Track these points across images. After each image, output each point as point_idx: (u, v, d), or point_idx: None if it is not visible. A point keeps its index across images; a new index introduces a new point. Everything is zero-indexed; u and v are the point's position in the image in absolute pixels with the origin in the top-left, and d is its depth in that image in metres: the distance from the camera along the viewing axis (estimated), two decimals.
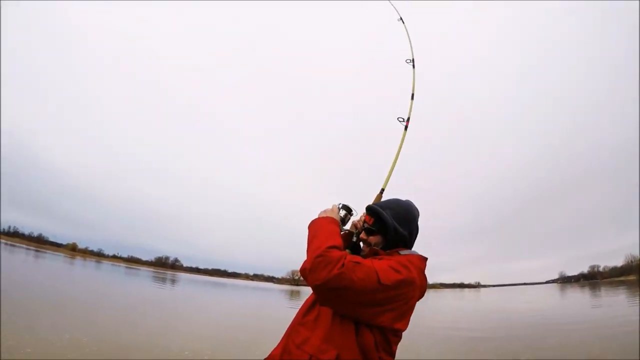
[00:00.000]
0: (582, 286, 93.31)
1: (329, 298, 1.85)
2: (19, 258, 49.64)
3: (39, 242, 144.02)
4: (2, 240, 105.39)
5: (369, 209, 2.17)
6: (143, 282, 50.62)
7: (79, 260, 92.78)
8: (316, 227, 2.07)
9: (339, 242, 1.96)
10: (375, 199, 2.45)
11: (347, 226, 2.35)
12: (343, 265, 1.77)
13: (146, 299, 26.88)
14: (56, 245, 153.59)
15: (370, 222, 2.13)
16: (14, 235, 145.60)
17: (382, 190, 2.47)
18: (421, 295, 2.07)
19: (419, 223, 2.25)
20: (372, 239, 2.14)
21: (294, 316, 2.18)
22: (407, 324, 1.98)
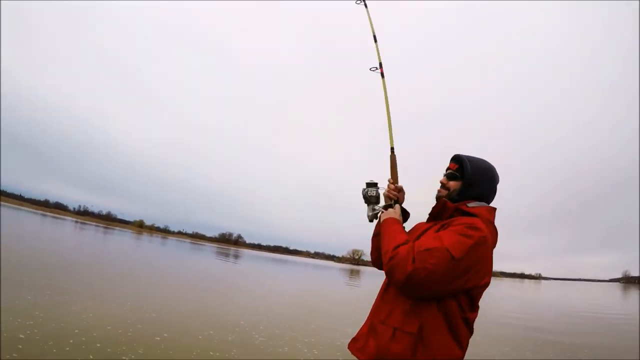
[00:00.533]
0: None
1: (416, 292, 1.83)
2: (90, 234, 52.13)
3: (108, 220, 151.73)
4: (73, 218, 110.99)
5: (455, 157, 2.18)
6: (207, 256, 52.20)
7: (145, 236, 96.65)
8: (382, 232, 2.08)
9: (402, 238, 1.95)
10: (391, 162, 2.36)
11: (383, 201, 2.31)
12: (414, 259, 1.76)
13: (209, 273, 27.72)
14: (124, 223, 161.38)
15: (454, 168, 2.15)
16: (84, 214, 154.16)
17: (392, 149, 2.37)
18: (494, 245, 1.99)
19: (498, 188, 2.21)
20: (452, 184, 2.14)
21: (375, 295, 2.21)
22: (491, 275, 1.96)
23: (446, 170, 2.21)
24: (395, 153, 2.37)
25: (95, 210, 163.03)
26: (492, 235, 1.96)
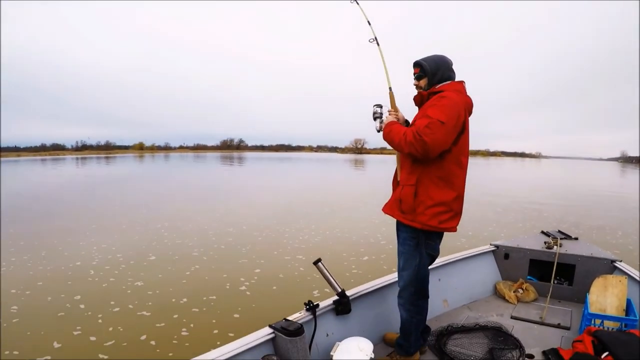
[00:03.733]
0: None
1: (430, 154, 2.34)
2: (92, 166, 51.86)
3: (108, 149, 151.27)
4: (73, 156, 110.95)
5: (416, 62, 2.68)
6: (211, 165, 52.33)
7: (148, 157, 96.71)
8: (390, 131, 2.54)
9: (404, 129, 2.47)
10: (390, 97, 2.88)
11: (377, 123, 2.79)
12: (419, 135, 2.30)
13: (215, 180, 27.71)
14: (124, 148, 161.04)
15: (417, 71, 2.67)
16: (82, 149, 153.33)
17: (390, 88, 2.89)
18: (468, 111, 2.58)
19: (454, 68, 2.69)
20: (421, 82, 2.66)
21: None
22: (464, 124, 2.49)
23: (413, 75, 2.71)
24: (392, 91, 2.89)
25: (94, 142, 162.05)
26: (461, 96, 2.53)
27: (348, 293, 2.91)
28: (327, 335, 2.76)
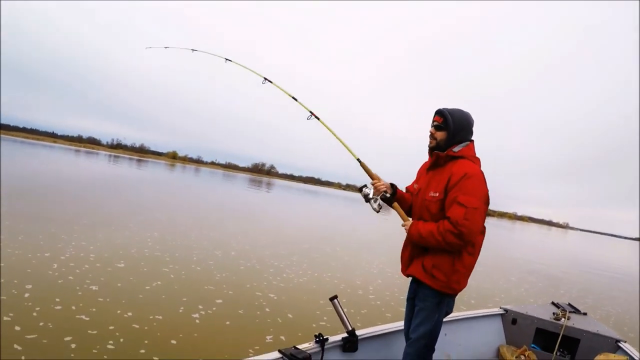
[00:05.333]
0: None
1: (471, 241, 2.45)
2: (124, 165, 52.92)
3: (142, 152, 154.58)
4: (107, 152, 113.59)
5: (439, 111, 2.61)
6: (240, 185, 52.76)
7: (179, 167, 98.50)
8: (419, 234, 2.54)
9: (434, 226, 2.47)
10: (363, 168, 2.95)
11: (372, 203, 2.81)
12: (461, 231, 2.34)
13: (240, 200, 27.65)
14: (157, 154, 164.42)
15: (440, 121, 2.59)
16: (117, 147, 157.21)
17: (358, 159, 2.97)
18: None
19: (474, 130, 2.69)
20: (439, 135, 2.60)
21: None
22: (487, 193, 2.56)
23: (432, 122, 2.64)
24: (362, 161, 2.96)
25: (129, 142, 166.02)
26: (478, 166, 2.56)
27: (357, 333, 2.98)
28: None
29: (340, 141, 3.01)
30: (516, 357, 4.00)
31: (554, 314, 4.35)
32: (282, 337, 5.39)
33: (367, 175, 2.95)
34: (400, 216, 2.78)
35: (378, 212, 2.82)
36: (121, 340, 4.54)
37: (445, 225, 2.40)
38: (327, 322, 6.22)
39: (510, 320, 4.39)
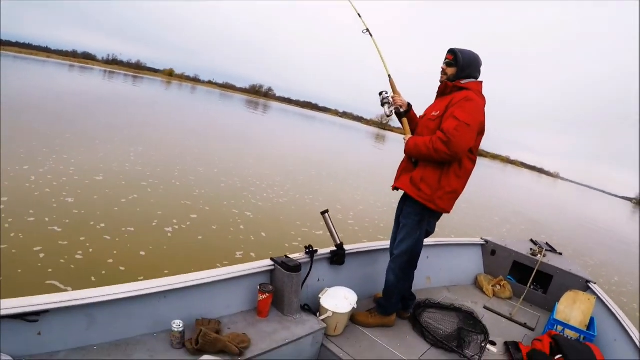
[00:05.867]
0: None
1: (459, 155, 2.60)
2: (118, 81, 51.96)
3: (138, 69, 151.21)
4: (102, 68, 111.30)
5: (451, 50, 2.82)
6: (235, 106, 52.19)
7: (175, 85, 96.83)
8: (415, 145, 2.73)
9: (428, 139, 2.65)
10: (390, 83, 3.08)
11: (386, 108, 3.04)
12: (449, 139, 2.51)
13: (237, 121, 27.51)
14: (154, 71, 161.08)
15: (450, 58, 2.80)
16: (112, 63, 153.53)
17: (389, 75, 3.09)
18: (484, 105, 2.75)
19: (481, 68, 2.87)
20: (449, 70, 2.82)
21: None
22: (484, 125, 2.74)
23: (445, 59, 2.85)
24: (392, 77, 3.08)
25: (125, 59, 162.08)
26: (482, 100, 2.73)
27: (345, 247, 3.14)
28: (319, 280, 3.03)
29: (380, 56, 3.11)
30: (492, 286, 4.23)
31: (531, 249, 4.56)
32: (252, 254, 5.51)
33: (391, 89, 3.12)
34: (405, 130, 3.00)
35: (389, 116, 3.07)
36: (90, 250, 4.65)
37: (438, 134, 2.60)
38: (300, 243, 6.32)
39: (490, 251, 4.59)
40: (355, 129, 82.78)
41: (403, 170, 2.94)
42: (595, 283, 4.04)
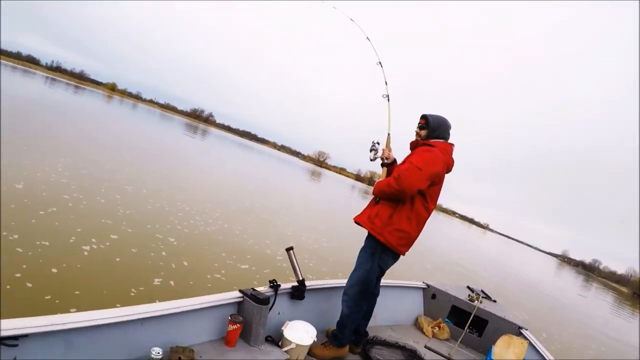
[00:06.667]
0: (578, 273, 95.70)
1: (407, 194, 2.91)
2: (58, 89, 49.95)
3: (80, 79, 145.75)
4: (44, 74, 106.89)
5: (423, 115, 3.22)
6: (175, 128, 51.40)
7: (116, 100, 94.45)
8: (380, 186, 3.06)
9: (388, 178, 3.02)
10: (387, 139, 3.46)
11: (372, 154, 3.38)
12: (399, 177, 2.86)
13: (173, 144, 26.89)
14: (96, 83, 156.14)
15: (422, 122, 3.21)
16: (56, 70, 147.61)
17: (389, 134, 3.47)
18: (447, 169, 3.14)
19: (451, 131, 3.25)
20: (422, 132, 3.19)
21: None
22: (440, 178, 3.09)
23: (418, 123, 3.24)
24: (390, 136, 3.47)
25: (69, 67, 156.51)
26: (445, 156, 3.04)
27: (306, 283, 3.32)
28: (279, 313, 3.12)
29: (389, 118, 3.52)
30: (432, 327, 4.52)
31: (469, 295, 4.87)
32: (172, 282, 5.41)
33: (386, 144, 3.48)
34: (382, 177, 3.31)
35: (371, 160, 3.37)
36: None
37: (393, 173, 2.98)
38: (222, 276, 6.26)
39: (431, 295, 4.90)
40: (293, 163, 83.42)
41: (366, 208, 3.25)
42: (527, 329, 4.39)
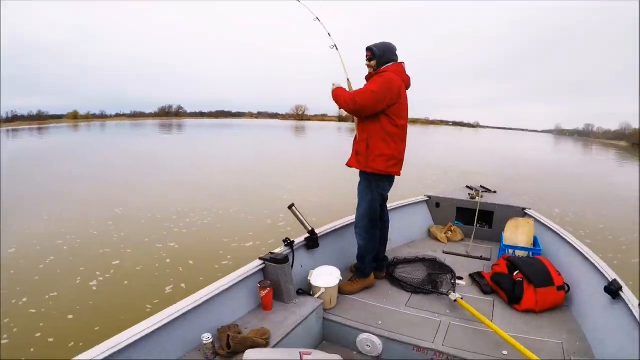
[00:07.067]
0: (576, 141, 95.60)
1: (362, 114, 3.14)
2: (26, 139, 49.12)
3: (40, 120, 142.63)
4: (5, 128, 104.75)
5: (368, 48, 3.34)
6: (148, 133, 50.86)
7: (83, 126, 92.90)
8: (337, 94, 3.26)
9: (347, 93, 3.22)
10: (347, 84, 3.56)
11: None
12: (354, 98, 3.07)
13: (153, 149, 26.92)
14: (58, 118, 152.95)
15: (369, 54, 3.33)
16: (13, 120, 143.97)
17: (348, 79, 3.58)
18: (406, 85, 3.32)
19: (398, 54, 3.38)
20: (371, 63, 3.33)
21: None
22: (396, 99, 3.17)
23: (366, 57, 3.35)
24: (350, 81, 3.56)
25: (25, 112, 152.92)
26: (398, 75, 3.20)
27: (316, 231, 3.54)
28: (302, 266, 3.34)
29: (344, 67, 3.60)
30: (445, 233, 4.84)
31: (469, 194, 5.20)
32: (183, 285, 5.58)
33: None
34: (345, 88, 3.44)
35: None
36: (15, 330, 4.51)
37: (351, 93, 3.17)
38: (229, 261, 6.45)
39: (434, 204, 5.19)
40: (274, 126, 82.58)
41: (352, 153, 3.43)
42: (530, 209, 4.70)
